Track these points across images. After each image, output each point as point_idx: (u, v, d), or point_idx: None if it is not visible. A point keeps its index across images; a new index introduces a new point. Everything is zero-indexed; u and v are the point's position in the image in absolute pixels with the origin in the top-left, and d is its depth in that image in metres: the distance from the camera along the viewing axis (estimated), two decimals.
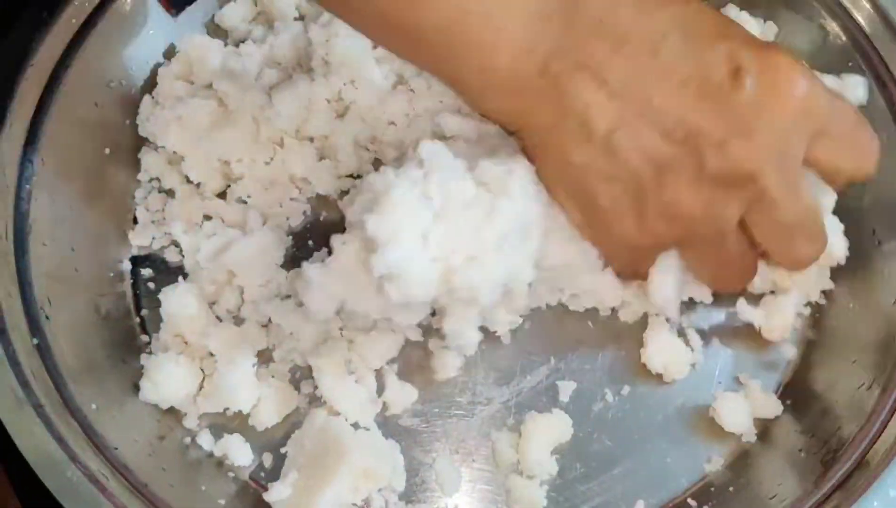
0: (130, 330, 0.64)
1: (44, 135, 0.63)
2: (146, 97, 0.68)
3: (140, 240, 0.66)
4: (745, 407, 0.60)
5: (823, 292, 0.63)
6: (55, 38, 0.64)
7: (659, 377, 0.61)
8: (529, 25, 0.50)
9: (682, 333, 0.62)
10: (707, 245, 0.54)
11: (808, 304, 0.63)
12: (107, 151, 0.67)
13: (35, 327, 0.57)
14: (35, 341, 0.57)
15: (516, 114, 0.53)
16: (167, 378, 0.59)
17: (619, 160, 0.51)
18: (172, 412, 0.61)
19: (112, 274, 0.65)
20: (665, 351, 0.60)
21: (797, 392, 0.62)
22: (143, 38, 0.68)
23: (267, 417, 0.60)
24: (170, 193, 0.67)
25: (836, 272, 0.63)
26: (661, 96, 0.50)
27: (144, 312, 0.65)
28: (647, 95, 0.50)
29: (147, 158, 0.67)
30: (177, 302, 0.62)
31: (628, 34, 0.50)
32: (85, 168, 0.65)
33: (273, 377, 0.61)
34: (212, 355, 0.61)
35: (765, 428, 0.61)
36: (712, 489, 0.59)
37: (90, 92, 0.66)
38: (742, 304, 0.61)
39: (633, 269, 0.58)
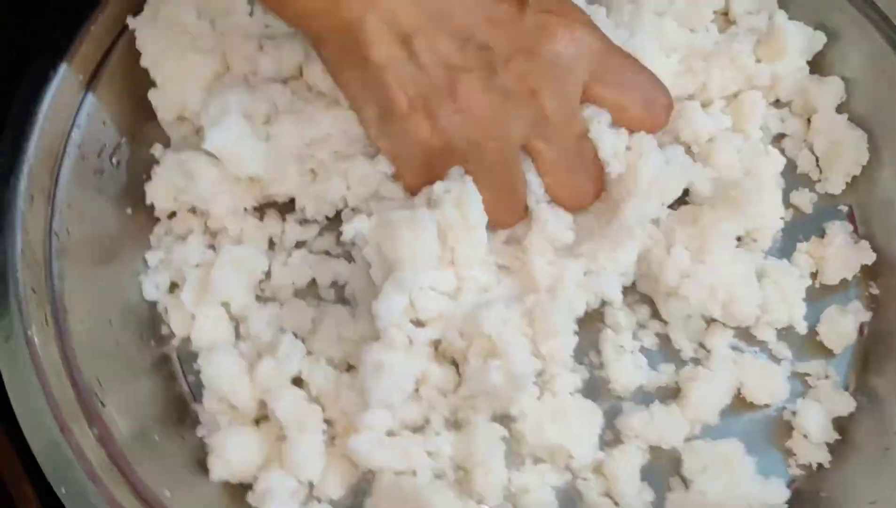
0: (181, 400, 0.61)
1: (63, 202, 0.59)
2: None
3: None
4: (819, 409, 0.59)
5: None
6: (62, 97, 0.60)
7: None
8: None
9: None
10: (490, 165, 0.56)
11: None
12: (128, 210, 0.63)
13: (93, 415, 0.54)
14: (95, 430, 0.54)
15: (321, 13, 0.55)
16: (235, 452, 0.56)
17: (418, 61, 0.54)
18: (241, 488, 0.57)
19: (153, 342, 0.61)
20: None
21: (867, 389, 0.61)
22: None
23: (333, 489, 0.57)
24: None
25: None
26: (460, 11, 0.54)
27: (191, 378, 0.61)
28: (447, 8, 0.54)
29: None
30: (217, 366, 0.58)
31: None
32: (109, 232, 0.62)
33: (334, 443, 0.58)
34: (267, 418, 0.58)
35: (842, 428, 0.60)
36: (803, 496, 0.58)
37: (105, 149, 0.62)
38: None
39: (424, 179, 0.58)
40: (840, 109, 0.65)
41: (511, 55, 0.55)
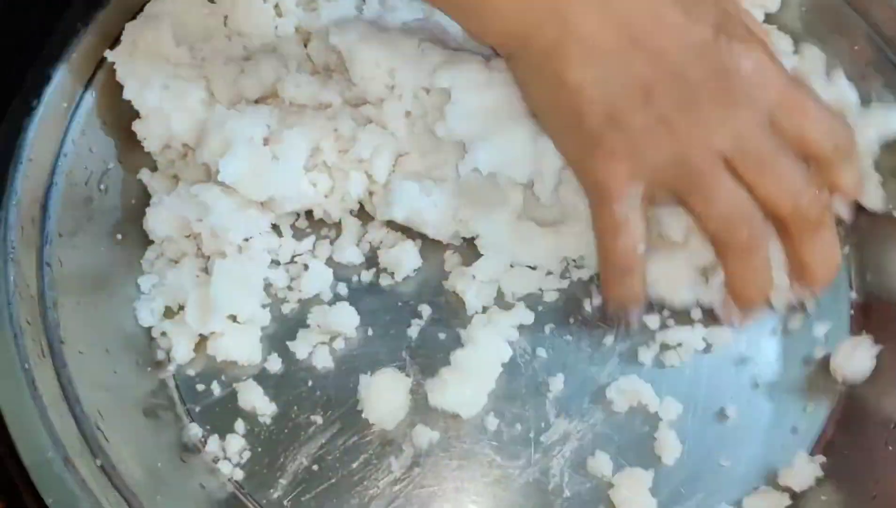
0: (179, 423, 0.60)
1: (54, 232, 0.59)
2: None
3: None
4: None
5: None
6: (47, 126, 0.60)
7: None
8: None
9: None
10: (698, 189, 0.55)
11: None
12: (119, 236, 0.62)
13: (95, 446, 0.54)
14: (98, 462, 0.53)
15: (515, 36, 0.55)
16: None
17: (614, 81, 0.54)
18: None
19: (149, 368, 0.61)
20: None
21: None
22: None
23: None
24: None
25: None
26: (656, 33, 0.54)
27: (190, 404, 0.61)
28: (645, 30, 0.54)
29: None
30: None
31: None
32: (101, 259, 0.61)
33: None
34: None
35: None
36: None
37: (92, 176, 0.62)
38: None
39: (612, 213, 0.57)
40: None
41: (706, 77, 0.54)
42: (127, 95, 0.61)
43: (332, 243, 0.64)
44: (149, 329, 0.62)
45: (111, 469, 0.54)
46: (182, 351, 0.61)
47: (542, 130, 0.59)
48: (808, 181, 0.56)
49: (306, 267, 0.63)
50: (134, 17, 0.63)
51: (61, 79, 0.61)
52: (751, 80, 0.54)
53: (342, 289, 0.63)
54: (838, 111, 0.59)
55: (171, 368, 0.61)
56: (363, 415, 0.60)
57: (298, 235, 0.64)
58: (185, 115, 0.61)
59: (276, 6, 0.66)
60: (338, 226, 0.64)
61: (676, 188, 0.56)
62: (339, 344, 0.62)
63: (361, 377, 0.61)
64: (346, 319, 0.61)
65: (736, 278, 0.58)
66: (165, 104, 0.60)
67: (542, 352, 0.62)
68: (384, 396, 0.60)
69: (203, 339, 0.61)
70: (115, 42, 0.62)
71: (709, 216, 0.56)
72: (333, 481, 0.59)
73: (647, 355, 0.62)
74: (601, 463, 0.59)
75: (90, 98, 0.62)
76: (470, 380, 0.60)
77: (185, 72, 0.61)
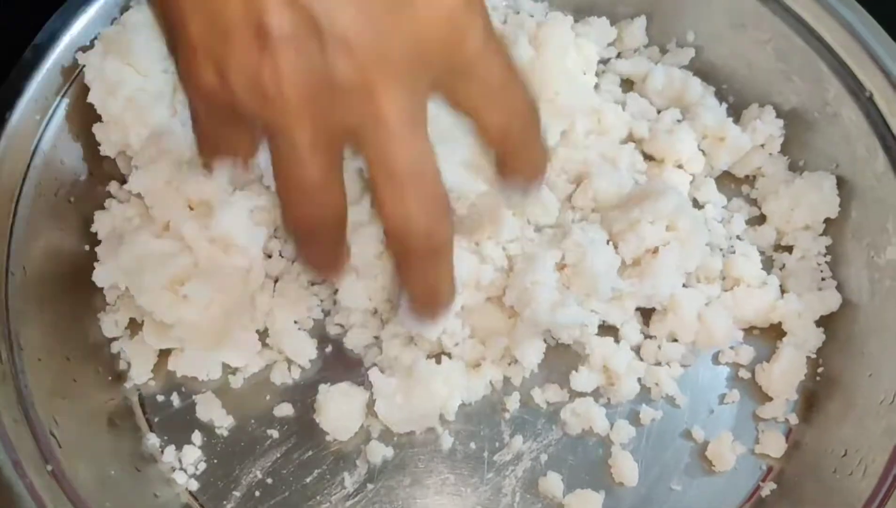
0: (137, 432, 0.61)
1: (20, 241, 0.60)
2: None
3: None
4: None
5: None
6: (19, 138, 0.61)
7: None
8: None
9: None
10: (288, 148, 0.44)
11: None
12: (86, 247, 0.63)
13: (47, 452, 0.55)
14: (49, 467, 0.54)
15: None
16: None
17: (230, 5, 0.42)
18: None
19: (110, 377, 0.62)
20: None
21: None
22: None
23: None
24: None
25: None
26: None
27: (150, 415, 0.62)
28: None
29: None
30: None
31: None
32: (65, 270, 0.62)
33: None
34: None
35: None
36: None
37: (62, 187, 0.63)
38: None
39: (211, 141, 0.49)
40: None
41: (347, 34, 0.42)
42: (91, 98, 0.62)
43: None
44: (113, 340, 0.63)
45: (61, 475, 0.54)
46: (140, 370, 0.62)
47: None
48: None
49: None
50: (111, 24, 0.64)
51: (34, 91, 0.62)
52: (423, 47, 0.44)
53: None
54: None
55: (132, 380, 0.62)
56: (320, 426, 0.61)
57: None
58: (143, 130, 0.62)
59: None
60: None
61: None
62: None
63: (321, 387, 0.61)
64: (302, 350, 0.62)
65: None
66: (126, 115, 0.62)
67: None
68: (341, 407, 0.60)
69: (165, 353, 0.62)
70: (88, 47, 0.63)
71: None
72: (287, 494, 0.60)
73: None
74: (553, 484, 0.59)
75: (62, 111, 0.63)
76: (425, 398, 0.60)
77: (151, 85, 0.62)
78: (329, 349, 0.63)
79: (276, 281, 0.64)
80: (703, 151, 0.68)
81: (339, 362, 0.63)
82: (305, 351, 0.63)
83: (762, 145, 0.69)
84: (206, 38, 0.43)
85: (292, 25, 0.42)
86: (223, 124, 0.47)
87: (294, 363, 0.63)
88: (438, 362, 0.60)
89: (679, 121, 0.69)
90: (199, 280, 0.58)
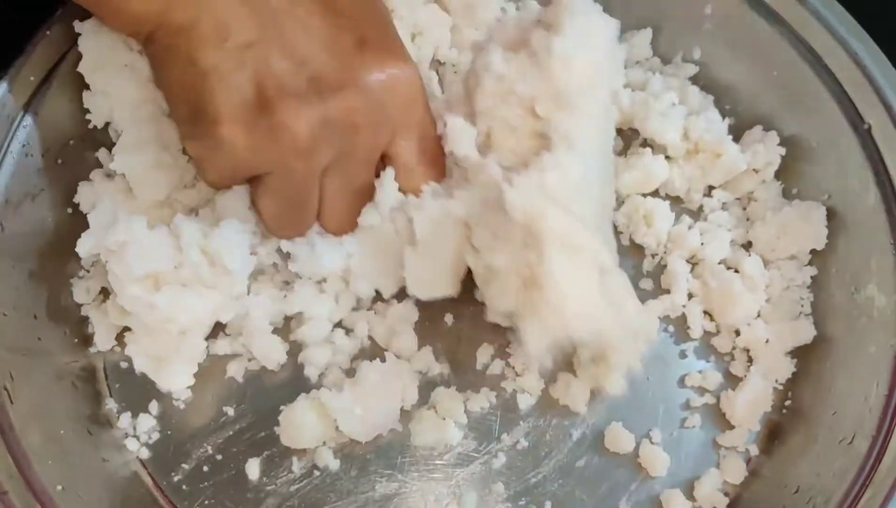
0: (97, 397, 0.62)
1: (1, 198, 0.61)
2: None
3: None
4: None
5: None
6: (11, 97, 0.62)
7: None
8: None
9: None
10: (290, 183, 0.56)
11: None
12: (69, 210, 0.64)
13: None
14: None
15: (153, 14, 0.54)
16: None
17: (247, 72, 0.53)
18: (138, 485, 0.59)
19: (77, 340, 0.63)
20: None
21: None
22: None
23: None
24: None
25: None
26: (299, 35, 0.54)
27: (111, 380, 0.63)
28: (285, 29, 0.54)
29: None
30: None
31: None
32: (45, 230, 0.63)
33: None
34: None
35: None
36: None
37: (51, 149, 0.64)
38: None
39: (226, 180, 0.59)
40: None
41: (342, 85, 0.55)
42: (81, 67, 0.63)
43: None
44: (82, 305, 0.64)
45: (8, 428, 0.55)
46: (104, 338, 0.62)
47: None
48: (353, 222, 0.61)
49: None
50: None
51: (33, 53, 0.63)
52: (388, 108, 0.56)
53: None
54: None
55: (96, 346, 0.63)
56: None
57: None
58: (126, 108, 0.63)
59: None
60: None
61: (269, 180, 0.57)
62: None
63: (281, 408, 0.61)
64: (271, 353, 0.63)
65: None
66: (112, 90, 0.62)
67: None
68: (303, 422, 0.60)
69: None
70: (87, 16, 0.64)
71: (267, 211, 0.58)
72: (234, 473, 0.60)
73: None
74: (497, 490, 0.59)
75: (60, 76, 0.64)
76: (384, 399, 0.60)
77: (143, 66, 0.63)
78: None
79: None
80: (701, 168, 0.67)
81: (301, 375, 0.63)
82: (274, 355, 0.62)
83: (756, 171, 0.67)
84: (234, 112, 0.54)
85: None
86: (234, 170, 0.58)
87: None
88: (383, 360, 0.61)
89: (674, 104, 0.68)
90: (173, 292, 0.58)
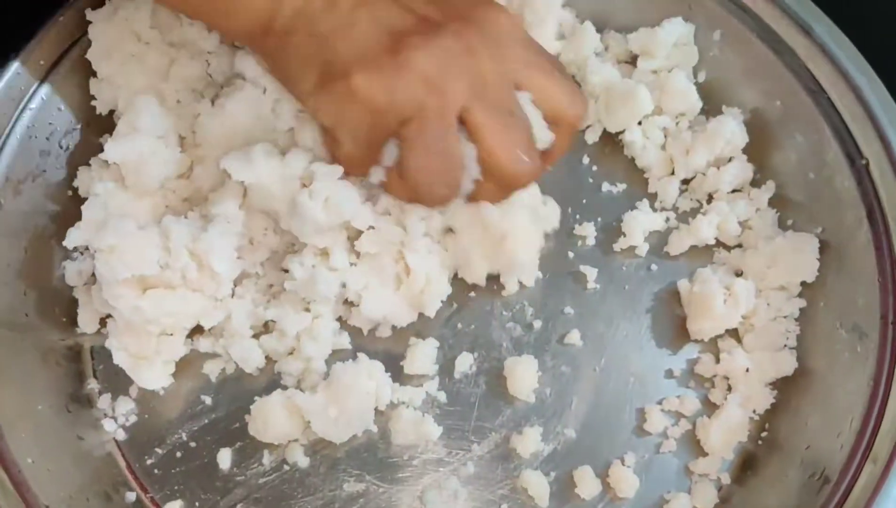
0: (79, 376, 0.63)
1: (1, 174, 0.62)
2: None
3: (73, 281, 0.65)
4: None
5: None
6: (18, 80, 0.64)
7: None
8: None
9: None
10: (429, 128, 0.56)
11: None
12: (69, 193, 0.66)
13: None
14: None
15: (264, 12, 0.57)
16: None
17: (363, 25, 0.56)
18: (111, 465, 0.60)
19: (65, 319, 0.64)
20: None
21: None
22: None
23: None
24: None
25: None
26: None
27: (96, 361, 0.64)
28: None
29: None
30: None
31: None
32: (43, 211, 0.64)
33: None
34: None
35: None
36: None
37: (55, 133, 0.65)
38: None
39: (363, 148, 0.59)
40: None
41: (448, 20, 0.57)
42: (89, 54, 0.64)
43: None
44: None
45: None
46: (88, 320, 0.64)
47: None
48: (531, 147, 0.59)
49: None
50: None
51: (44, 38, 0.64)
52: (495, 26, 0.58)
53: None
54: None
55: (81, 328, 0.64)
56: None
57: None
58: (130, 91, 0.64)
59: None
60: None
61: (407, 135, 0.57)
62: None
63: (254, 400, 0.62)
64: (251, 358, 0.63)
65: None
66: (118, 79, 0.64)
67: None
68: (275, 419, 0.61)
69: None
70: (100, 6, 0.65)
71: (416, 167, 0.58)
72: (206, 461, 0.61)
73: None
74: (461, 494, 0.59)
75: (70, 61, 0.66)
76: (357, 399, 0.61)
77: (150, 57, 0.64)
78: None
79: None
80: (704, 174, 0.68)
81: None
82: (252, 360, 0.63)
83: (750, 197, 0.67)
84: (361, 61, 0.56)
85: None
86: (372, 128, 0.58)
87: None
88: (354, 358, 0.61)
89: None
90: (158, 296, 0.59)
